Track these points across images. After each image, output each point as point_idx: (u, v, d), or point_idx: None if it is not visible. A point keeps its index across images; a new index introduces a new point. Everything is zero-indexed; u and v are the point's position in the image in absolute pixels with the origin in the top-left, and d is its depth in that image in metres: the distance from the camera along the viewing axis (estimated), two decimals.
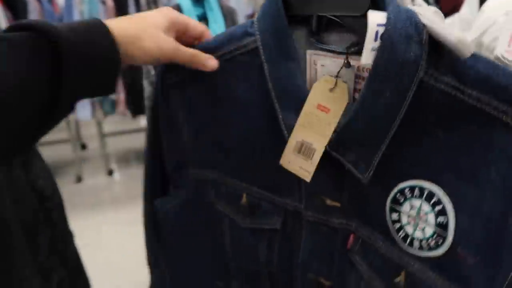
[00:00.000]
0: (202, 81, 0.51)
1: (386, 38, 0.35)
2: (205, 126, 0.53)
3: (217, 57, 0.48)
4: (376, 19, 0.35)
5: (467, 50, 0.32)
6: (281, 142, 0.46)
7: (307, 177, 0.44)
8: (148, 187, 0.64)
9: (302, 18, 0.44)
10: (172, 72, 0.52)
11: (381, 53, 0.35)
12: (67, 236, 0.66)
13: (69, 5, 2.16)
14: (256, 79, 0.47)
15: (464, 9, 0.90)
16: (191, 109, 0.53)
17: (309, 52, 0.44)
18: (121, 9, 2.22)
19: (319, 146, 0.43)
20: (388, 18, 0.35)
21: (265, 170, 0.50)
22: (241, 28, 0.47)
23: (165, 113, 0.56)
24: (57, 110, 0.38)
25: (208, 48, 0.48)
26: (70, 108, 0.41)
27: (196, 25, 0.50)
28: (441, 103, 0.36)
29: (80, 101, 0.42)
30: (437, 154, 0.38)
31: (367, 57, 0.36)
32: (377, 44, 0.35)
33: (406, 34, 0.35)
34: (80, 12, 2.18)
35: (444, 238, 0.38)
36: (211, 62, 0.48)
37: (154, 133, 0.59)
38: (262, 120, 0.48)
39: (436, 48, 0.35)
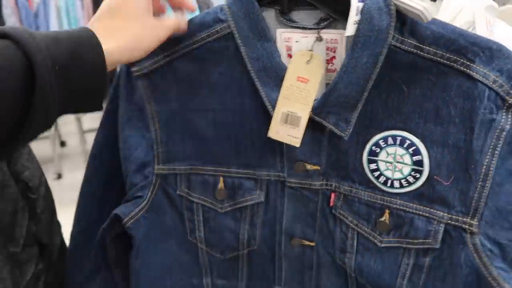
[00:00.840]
0: (174, 70, 0.51)
1: (366, 12, 0.42)
2: (177, 116, 0.53)
3: (190, 45, 0.49)
4: None
5: (430, 16, 0.40)
6: (264, 118, 0.49)
7: (297, 143, 0.48)
8: (88, 199, 0.61)
9: (270, 0, 0.48)
10: (139, 63, 0.50)
11: (362, 25, 0.42)
12: (54, 228, 0.62)
13: (45, 0, 1.92)
14: (232, 62, 0.49)
15: None
16: (161, 100, 0.53)
17: (279, 31, 0.48)
18: (98, 5, 1.97)
19: (304, 114, 0.47)
20: None
21: (246, 148, 0.53)
22: (210, 14, 0.49)
23: (127, 107, 0.53)
24: (30, 127, 0.35)
25: (180, 36, 0.49)
26: (47, 125, 0.37)
27: None
28: (406, 61, 0.44)
29: (61, 115, 0.38)
30: (405, 105, 0.45)
31: (351, 30, 0.42)
32: (358, 17, 0.42)
33: (379, 7, 0.42)
34: (57, 8, 1.96)
35: (421, 172, 0.46)
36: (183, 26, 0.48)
37: (109, 130, 0.55)
38: (242, 101, 0.50)
39: (401, 17, 0.43)
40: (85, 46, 0.37)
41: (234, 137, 0.53)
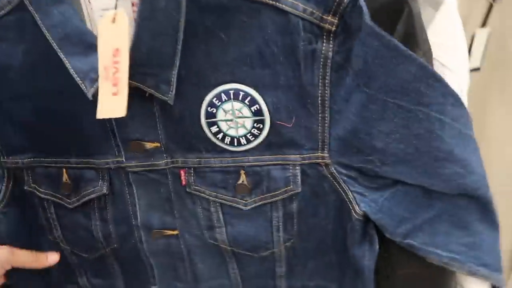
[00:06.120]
0: None
1: None
2: None
3: None
4: None
5: None
6: (83, 96, 0.40)
7: (122, 112, 0.39)
8: None
9: None
10: None
11: None
12: None
13: None
14: (33, 36, 0.41)
15: None
16: None
17: None
18: None
19: (123, 82, 0.39)
20: None
21: (77, 134, 0.46)
22: None
23: None
24: None
25: None
26: None
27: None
28: (213, 3, 0.39)
29: None
30: (228, 54, 0.41)
31: None
32: None
33: None
34: None
35: (263, 121, 0.43)
36: (52, 257, 0.54)
37: None
38: (55, 79, 0.42)
39: None
40: None
41: (62, 122, 0.46)
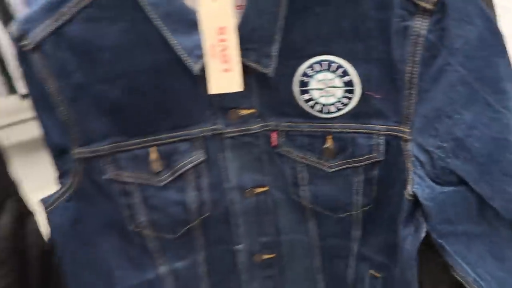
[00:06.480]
0: (67, 37, 0.44)
1: None
2: (85, 90, 0.47)
3: (78, 4, 0.43)
4: None
5: None
6: (183, 70, 0.45)
7: (239, 87, 0.45)
8: None
9: None
10: (28, 34, 0.44)
11: None
12: None
13: None
14: (132, 15, 0.44)
15: None
16: (61, 74, 0.46)
17: None
18: None
19: (234, 59, 0.44)
20: None
21: (173, 108, 0.49)
22: None
23: (31, 89, 0.47)
24: None
25: None
26: None
27: None
28: None
29: None
30: (324, 27, 0.45)
31: None
32: None
33: None
34: None
35: (353, 91, 0.46)
36: None
37: None
38: (154, 57, 0.46)
39: None
40: None
41: (156, 100, 0.48)
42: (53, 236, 0.52)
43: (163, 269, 0.58)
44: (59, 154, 0.50)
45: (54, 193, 0.51)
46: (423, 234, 0.45)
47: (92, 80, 0.47)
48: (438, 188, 0.44)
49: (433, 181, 0.44)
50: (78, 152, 0.50)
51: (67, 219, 0.52)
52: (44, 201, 0.51)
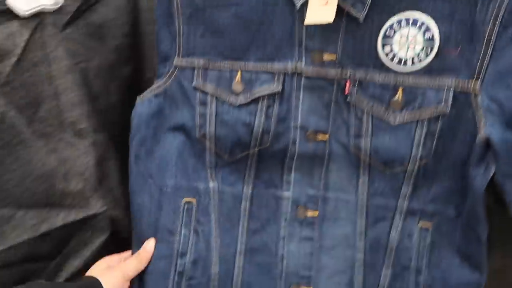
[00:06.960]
0: None
1: None
2: (200, 11, 0.57)
3: None
4: None
5: None
6: (286, 7, 0.54)
7: (330, 19, 0.50)
8: None
9: None
10: None
11: None
12: None
13: None
14: None
15: None
16: None
17: None
18: None
19: None
20: None
21: (266, 40, 0.57)
22: None
23: (160, 3, 0.59)
24: None
25: None
26: None
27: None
28: None
29: None
30: None
31: None
32: None
33: None
34: None
35: (432, 47, 0.51)
36: (149, 245, 0.63)
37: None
38: None
39: None
40: None
41: (255, 29, 0.56)
42: (133, 122, 0.63)
43: (212, 185, 0.64)
44: (162, 60, 0.61)
45: (149, 89, 0.62)
46: (491, 173, 0.50)
47: (208, 4, 0.57)
48: (509, 132, 0.48)
49: (504, 126, 0.49)
50: (178, 60, 0.61)
51: (149, 110, 0.63)
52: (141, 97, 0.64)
